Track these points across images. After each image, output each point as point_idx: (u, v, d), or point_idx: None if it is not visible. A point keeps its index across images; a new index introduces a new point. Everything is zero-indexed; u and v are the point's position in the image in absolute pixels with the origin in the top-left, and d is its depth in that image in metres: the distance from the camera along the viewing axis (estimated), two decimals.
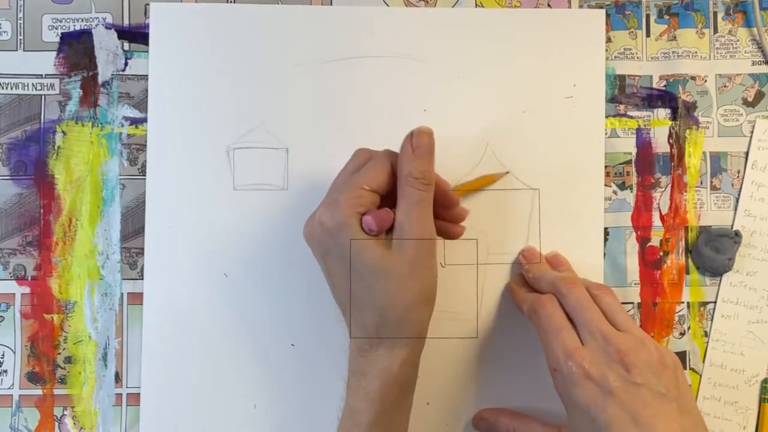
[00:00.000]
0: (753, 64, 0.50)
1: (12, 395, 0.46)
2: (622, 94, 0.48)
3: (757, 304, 0.48)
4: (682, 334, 0.48)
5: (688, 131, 0.49)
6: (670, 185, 0.49)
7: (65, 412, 0.47)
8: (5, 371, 0.46)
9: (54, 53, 0.47)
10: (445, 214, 0.44)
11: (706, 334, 0.49)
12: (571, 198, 0.48)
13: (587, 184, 0.48)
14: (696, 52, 0.48)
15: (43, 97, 0.47)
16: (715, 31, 0.49)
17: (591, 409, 0.38)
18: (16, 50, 0.47)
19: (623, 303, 0.47)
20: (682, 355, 0.48)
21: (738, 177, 0.49)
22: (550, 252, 0.47)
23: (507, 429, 0.46)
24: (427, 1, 0.48)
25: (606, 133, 0.48)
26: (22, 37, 0.47)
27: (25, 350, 0.46)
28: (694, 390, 0.48)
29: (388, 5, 0.48)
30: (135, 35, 0.47)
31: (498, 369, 0.47)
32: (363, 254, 0.39)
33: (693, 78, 0.49)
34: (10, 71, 0.47)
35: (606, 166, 0.48)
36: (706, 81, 0.49)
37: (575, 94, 0.48)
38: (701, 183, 0.49)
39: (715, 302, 0.49)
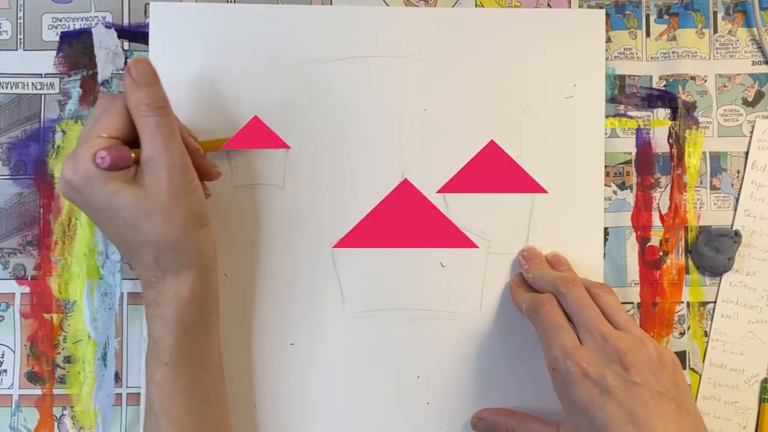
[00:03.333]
0: (753, 64, 0.50)
1: (12, 395, 0.47)
2: (621, 94, 0.49)
3: (756, 304, 0.49)
4: (682, 333, 0.48)
5: (687, 131, 0.49)
6: (669, 185, 0.49)
7: (64, 412, 0.47)
8: (5, 371, 0.47)
9: (54, 52, 0.48)
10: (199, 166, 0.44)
11: (706, 334, 0.49)
12: (571, 198, 0.48)
13: (587, 183, 0.49)
14: (696, 52, 0.49)
15: (42, 96, 0.47)
16: (715, 31, 0.50)
17: (589, 409, 0.39)
18: (16, 49, 0.47)
19: (623, 303, 0.47)
20: (681, 355, 0.49)
21: (738, 177, 0.50)
22: (549, 252, 0.47)
23: (506, 428, 0.47)
24: (427, 1, 0.49)
25: (606, 133, 0.49)
26: (21, 37, 0.47)
27: (24, 350, 0.47)
28: (694, 390, 0.48)
29: (387, 5, 0.49)
30: (135, 34, 0.48)
31: (497, 369, 0.47)
32: (119, 199, 0.39)
33: (693, 78, 0.49)
34: (10, 71, 0.47)
35: (606, 166, 0.49)
36: (705, 81, 0.50)
37: (575, 94, 0.48)
38: (701, 183, 0.50)
39: (715, 302, 0.49)
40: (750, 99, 0.50)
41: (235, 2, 0.47)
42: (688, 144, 0.50)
